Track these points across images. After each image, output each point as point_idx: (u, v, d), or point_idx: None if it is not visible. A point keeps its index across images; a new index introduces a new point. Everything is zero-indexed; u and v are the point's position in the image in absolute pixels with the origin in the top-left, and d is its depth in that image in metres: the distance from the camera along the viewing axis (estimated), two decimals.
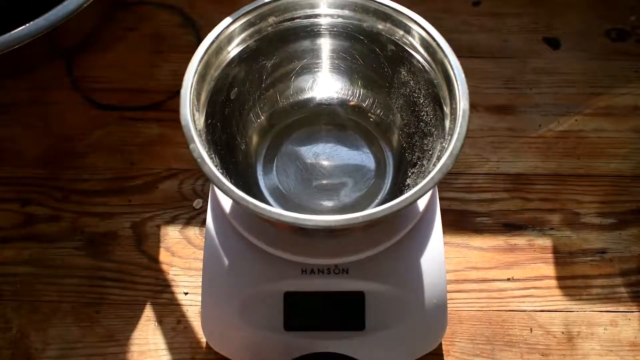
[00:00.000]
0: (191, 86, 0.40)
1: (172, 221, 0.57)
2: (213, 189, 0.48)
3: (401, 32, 0.44)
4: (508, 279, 0.54)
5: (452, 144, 0.38)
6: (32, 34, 0.49)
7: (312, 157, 0.50)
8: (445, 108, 0.42)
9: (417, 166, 0.47)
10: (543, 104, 0.64)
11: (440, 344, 0.51)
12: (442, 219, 0.48)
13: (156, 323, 0.52)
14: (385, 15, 0.44)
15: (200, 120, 0.41)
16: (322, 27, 0.47)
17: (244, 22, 0.44)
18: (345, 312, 0.46)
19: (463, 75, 0.40)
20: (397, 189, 0.47)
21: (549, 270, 0.55)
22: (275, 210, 0.37)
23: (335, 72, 0.50)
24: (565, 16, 0.69)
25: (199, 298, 0.48)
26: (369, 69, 0.49)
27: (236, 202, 0.37)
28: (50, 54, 0.62)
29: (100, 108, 0.63)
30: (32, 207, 0.58)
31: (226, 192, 0.37)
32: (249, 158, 0.49)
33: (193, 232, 0.57)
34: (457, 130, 0.39)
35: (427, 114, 0.46)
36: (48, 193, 0.58)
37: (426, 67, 0.44)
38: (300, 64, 0.50)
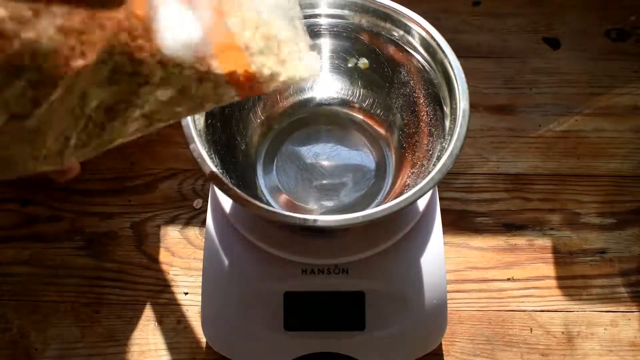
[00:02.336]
0: None
1: (172, 221, 0.57)
2: (213, 189, 0.48)
3: (401, 32, 0.44)
4: (508, 279, 0.54)
5: (452, 144, 0.38)
6: None
7: (312, 157, 0.50)
8: (445, 108, 0.42)
9: (417, 166, 0.47)
10: (543, 104, 0.64)
11: (440, 344, 0.51)
12: (442, 219, 0.48)
13: (156, 323, 0.52)
14: (385, 15, 0.44)
15: (200, 120, 0.41)
16: (322, 27, 0.47)
17: None
18: (345, 312, 0.46)
19: (463, 75, 0.40)
20: (397, 189, 0.47)
21: (549, 270, 0.55)
22: (275, 210, 0.37)
23: (335, 72, 0.50)
24: (565, 16, 0.69)
25: (199, 298, 0.48)
26: (369, 69, 0.49)
27: (236, 202, 0.37)
28: None
29: None
30: (32, 207, 0.58)
31: (226, 192, 0.37)
32: (249, 158, 0.49)
33: (193, 232, 0.56)
34: (457, 130, 0.39)
35: (427, 114, 0.46)
36: (48, 193, 0.58)
37: (426, 67, 0.44)
38: None
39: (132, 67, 0.27)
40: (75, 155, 0.29)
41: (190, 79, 0.29)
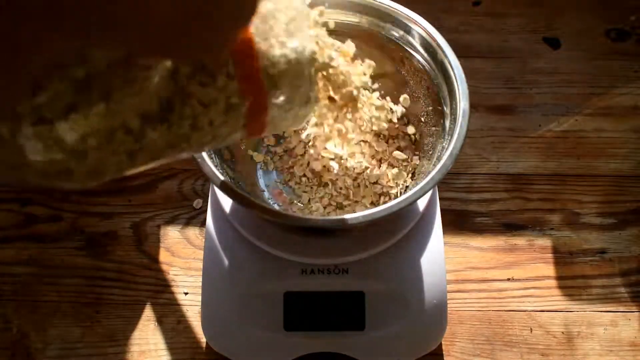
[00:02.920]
0: None
1: (172, 221, 0.57)
2: (213, 189, 0.48)
3: (401, 32, 0.44)
4: (508, 279, 0.54)
5: (452, 144, 0.38)
6: None
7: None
8: (445, 108, 0.42)
9: (417, 166, 0.47)
10: (543, 104, 0.64)
11: (440, 344, 0.51)
12: (442, 219, 0.48)
13: (156, 323, 0.52)
14: (385, 15, 0.44)
15: None
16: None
17: None
18: (345, 312, 0.46)
19: (463, 75, 0.40)
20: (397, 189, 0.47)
21: (549, 270, 0.55)
22: (276, 210, 0.37)
23: None
24: (565, 16, 0.69)
25: (199, 298, 0.48)
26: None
27: (236, 202, 0.37)
28: None
29: None
30: (32, 207, 0.58)
31: (226, 192, 0.37)
32: (248, 158, 0.49)
33: (193, 232, 0.56)
34: (457, 130, 0.39)
35: (427, 114, 0.46)
36: (48, 193, 0.58)
37: (426, 67, 0.44)
38: None
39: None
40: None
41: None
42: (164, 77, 0.26)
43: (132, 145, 0.26)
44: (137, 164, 0.28)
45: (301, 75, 0.30)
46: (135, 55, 0.24)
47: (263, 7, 0.28)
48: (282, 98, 0.30)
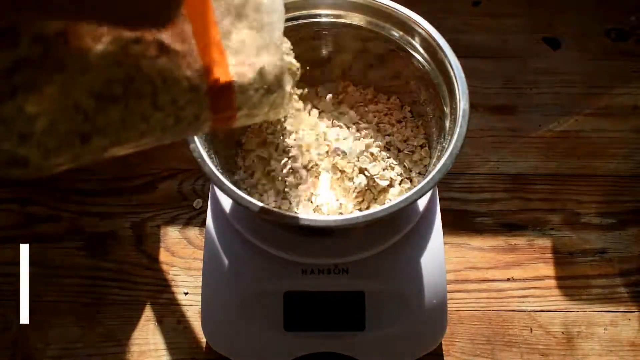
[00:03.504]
0: None
1: (172, 221, 0.57)
2: (213, 189, 0.48)
3: (401, 32, 0.44)
4: (508, 279, 0.54)
5: (452, 144, 0.38)
6: None
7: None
8: (445, 108, 0.42)
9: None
10: (543, 104, 0.64)
11: (440, 344, 0.51)
12: (442, 219, 0.48)
13: (156, 323, 0.52)
14: (385, 15, 0.44)
15: None
16: (323, 27, 0.47)
17: None
18: (345, 312, 0.46)
19: (463, 75, 0.40)
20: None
21: (549, 270, 0.55)
22: (275, 210, 0.37)
23: (336, 71, 0.50)
24: (565, 16, 0.69)
25: (199, 298, 0.48)
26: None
27: (236, 202, 0.37)
28: None
29: None
30: (32, 207, 0.58)
31: (226, 192, 0.37)
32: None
33: (193, 232, 0.57)
34: (457, 130, 0.39)
35: (427, 114, 0.46)
36: (48, 193, 0.58)
37: (426, 67, 0.44)
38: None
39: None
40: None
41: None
42: (119, 50, 0.24)
43: (84, 127, 0.25)
44: (93, 149, 0.26)
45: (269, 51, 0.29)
46: (87, 23, 0.22)
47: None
48: (249, 76, 0.28)
